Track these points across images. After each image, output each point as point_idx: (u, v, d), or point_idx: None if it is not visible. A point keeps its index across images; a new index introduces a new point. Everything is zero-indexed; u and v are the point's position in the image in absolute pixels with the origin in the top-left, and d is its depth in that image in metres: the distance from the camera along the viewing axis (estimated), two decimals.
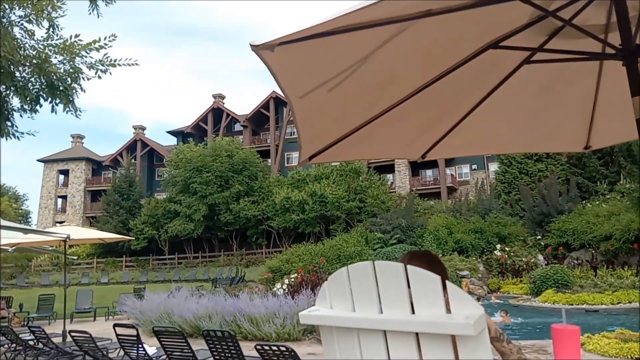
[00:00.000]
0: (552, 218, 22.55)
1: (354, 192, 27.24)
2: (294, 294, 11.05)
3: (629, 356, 6.99)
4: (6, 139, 5.78)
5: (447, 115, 2.83)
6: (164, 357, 6.78)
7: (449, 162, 41.27)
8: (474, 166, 40.84)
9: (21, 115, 5.86)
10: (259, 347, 4.64)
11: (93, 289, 16.89)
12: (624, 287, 15.96)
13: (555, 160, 26.83)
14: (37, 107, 5.73)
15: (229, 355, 5.26)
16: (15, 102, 5.76)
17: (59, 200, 54.99)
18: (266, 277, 22.04)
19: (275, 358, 4.60)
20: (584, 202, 23.14)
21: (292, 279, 18.51)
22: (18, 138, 5.92)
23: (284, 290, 14.47)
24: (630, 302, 14.58)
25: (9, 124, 5.79)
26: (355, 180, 27.69)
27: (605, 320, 13.25)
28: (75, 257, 28.47)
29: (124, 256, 38.30)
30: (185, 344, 5.60)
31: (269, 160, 45.17)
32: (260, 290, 16.27)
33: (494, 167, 39.28)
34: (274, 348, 4.52)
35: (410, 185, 40.35)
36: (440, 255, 22.74)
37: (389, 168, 40.69)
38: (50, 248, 12.61)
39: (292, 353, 4.44)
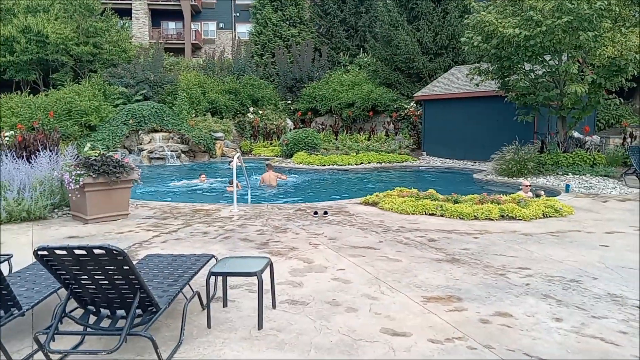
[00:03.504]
0: (304, 84, 23.17)
1: (86, 34, 21.73)
2: (29, 157, 7.91)
3: (424, 212, 7.31)
4: None
5: None
6: None
7: (195, 17, 37.74)
8: (221, 24, 38.44)
9: None
10: (43, 252, 2.48)
11: None
12: (361, 150, 17.86)
13: (307, 27, 27.12)
14: None
15: None
16: None
17: None
18: None
19: (77, 267, 2.55)
20: (329, 71, 24.42)
21: (7, 138, 15.08)
22: None
23: None
24: (369, 162, 16.49)
25: None
26: (87, 19, 21.99)
27: (358, 177, 14.58)
28: None
29: None
30: None
31: None
32: None
33: (241, 28, 37.87)
34: (79, 253, 2.45)
35: (150, 36, 35.54)
36: (194, 115, 21.04)
37: (126, 12, 34.38)
38: None
39: (121, 257, 2.48)
